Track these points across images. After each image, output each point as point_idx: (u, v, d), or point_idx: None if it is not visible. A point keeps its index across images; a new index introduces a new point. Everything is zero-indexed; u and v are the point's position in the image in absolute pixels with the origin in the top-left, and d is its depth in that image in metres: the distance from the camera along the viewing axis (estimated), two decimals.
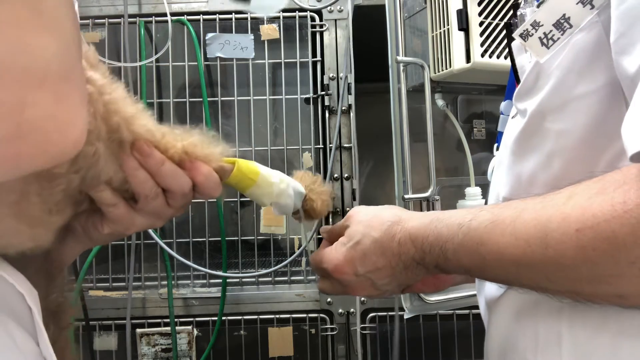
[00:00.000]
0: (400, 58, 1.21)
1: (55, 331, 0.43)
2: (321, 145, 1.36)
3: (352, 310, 1.31)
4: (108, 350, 1.29)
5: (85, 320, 1.26)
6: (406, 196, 1.20)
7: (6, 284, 0.36)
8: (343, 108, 1.32)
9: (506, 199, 0.54)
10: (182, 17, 1.34)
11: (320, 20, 1.36)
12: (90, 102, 0.37)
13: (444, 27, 1.20)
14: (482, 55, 1.15)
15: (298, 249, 1.31)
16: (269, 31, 1.35)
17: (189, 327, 1.30)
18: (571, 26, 0.45)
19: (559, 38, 0.46)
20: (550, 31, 0.46)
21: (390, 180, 1.37)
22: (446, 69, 1.20)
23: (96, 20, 1.35)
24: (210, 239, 1.34)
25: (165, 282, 1.31)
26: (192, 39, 1.33)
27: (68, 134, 0.30)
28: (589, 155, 0.46)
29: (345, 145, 1.34)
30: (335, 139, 1.32)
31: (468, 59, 1.16)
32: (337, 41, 1.35)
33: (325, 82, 1.34)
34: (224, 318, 1.30)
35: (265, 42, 1.35)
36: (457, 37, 1.17)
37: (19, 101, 0.26)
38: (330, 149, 1.33)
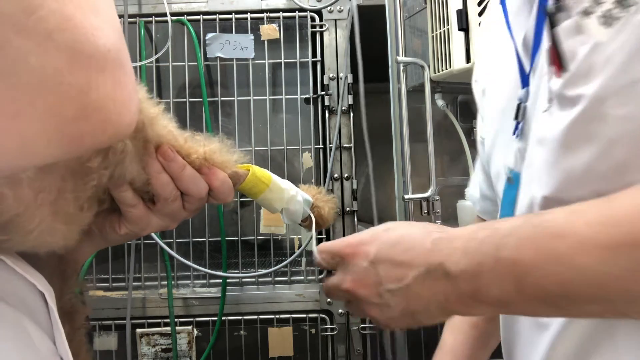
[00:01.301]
0: (400, 58, 1.21)
1: (70, 331, 0.43)
2: (321, 145, 1.37)
3: None
4: (108, 350, 1.29)
5: (85, 320, 1.26)
6: (406, 196, 1.21)
7: (26, 283, 0.37)
8: (343, 108, 1.33)
9: (547, 198, 0.49)
10: (182, 17, 1.34)
11: (320, 20, 1.36)
12: None
13: (444, 27, 1.21)
14: None
15: (298, 249, 1.32)
16: (269, 31, 1.35)
17: (189, 327, 1.30)
18: (635, 3, 0.41)
19: (620, 16, 0.42)
20: (612, 9, 0.42)
21: (390, 180, 1.37)
22: (446, 69, 1.21)
23: None
24: (210, 239, 1.34)
25: (165, 282, 1.31)
26: (192, 39, 1.33)
27: (124, 115, 0.32)
28: None
29: (345, 145, 1.34)
30: (335, 139, 1.33)
31: (468, 59, 1.17)
32: (337, 41, 1.36)
33: (325, 82, 1.34)
34: (224, 318, 1.30)
35: (265, 42, 1.35)
36: (457, 37, 1.18)
37: (86, 84, 0.29)
38: (330, 149, 1.33)
